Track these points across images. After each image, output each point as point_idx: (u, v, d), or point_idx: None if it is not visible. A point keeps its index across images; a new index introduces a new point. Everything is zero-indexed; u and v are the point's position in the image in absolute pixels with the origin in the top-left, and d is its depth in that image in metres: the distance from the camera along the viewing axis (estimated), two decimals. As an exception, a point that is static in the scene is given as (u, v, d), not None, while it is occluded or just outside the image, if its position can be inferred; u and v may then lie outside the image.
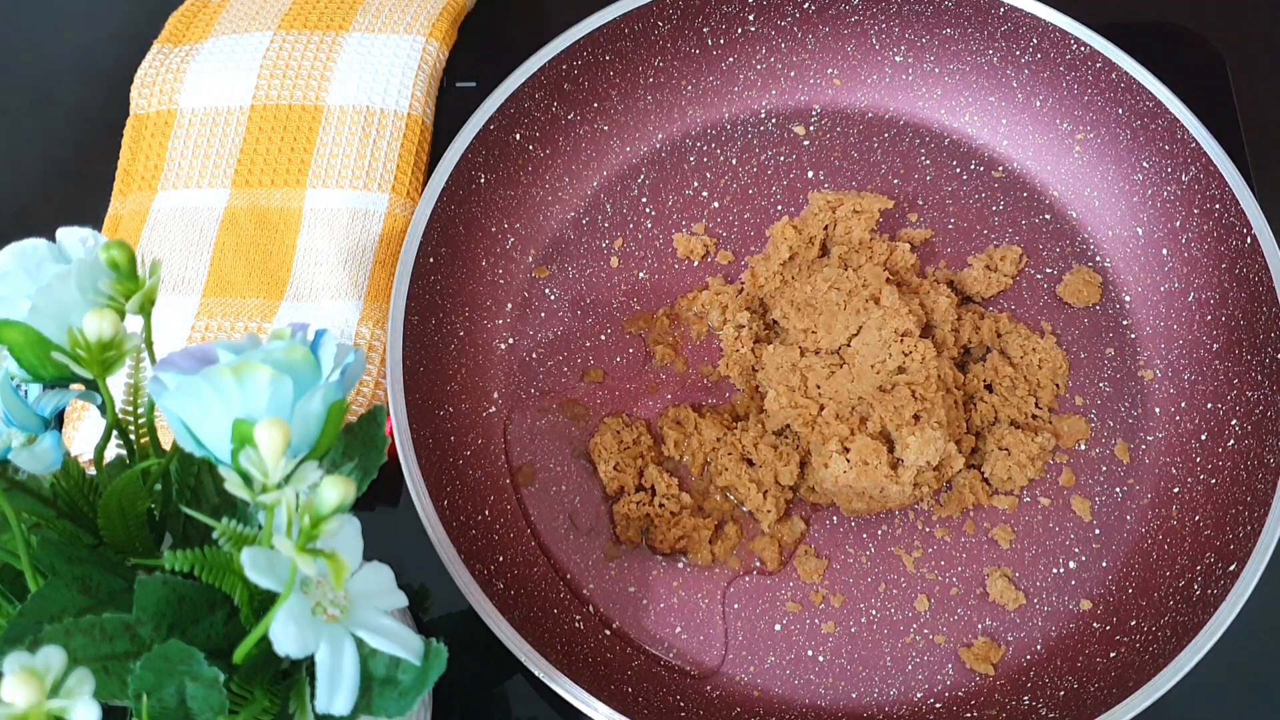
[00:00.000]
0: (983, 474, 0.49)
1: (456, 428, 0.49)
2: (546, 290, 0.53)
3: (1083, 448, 0.50)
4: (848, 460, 0.46)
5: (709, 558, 0.47)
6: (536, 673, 0.40)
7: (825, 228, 0.53)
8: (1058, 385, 0.50)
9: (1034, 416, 0.50)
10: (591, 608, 0.47)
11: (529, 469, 0.50)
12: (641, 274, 0.54)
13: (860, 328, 0.49)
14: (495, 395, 0.51)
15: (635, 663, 0.46)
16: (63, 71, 0.63)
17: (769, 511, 0.47)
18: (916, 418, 0.47)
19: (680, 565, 0.48)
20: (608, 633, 0.46)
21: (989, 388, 0.50)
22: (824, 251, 0.53)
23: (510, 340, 0.52)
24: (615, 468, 0.49)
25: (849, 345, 0.49)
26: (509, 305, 0.53)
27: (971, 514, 0.48)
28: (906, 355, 0.48)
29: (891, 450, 0.46)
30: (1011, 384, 0.50)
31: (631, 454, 0.49)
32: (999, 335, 0.51)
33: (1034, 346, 0.50)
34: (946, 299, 0.50)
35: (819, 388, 0.48)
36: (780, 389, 0.48)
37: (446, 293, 0.50)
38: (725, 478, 0.48)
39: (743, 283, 0.53)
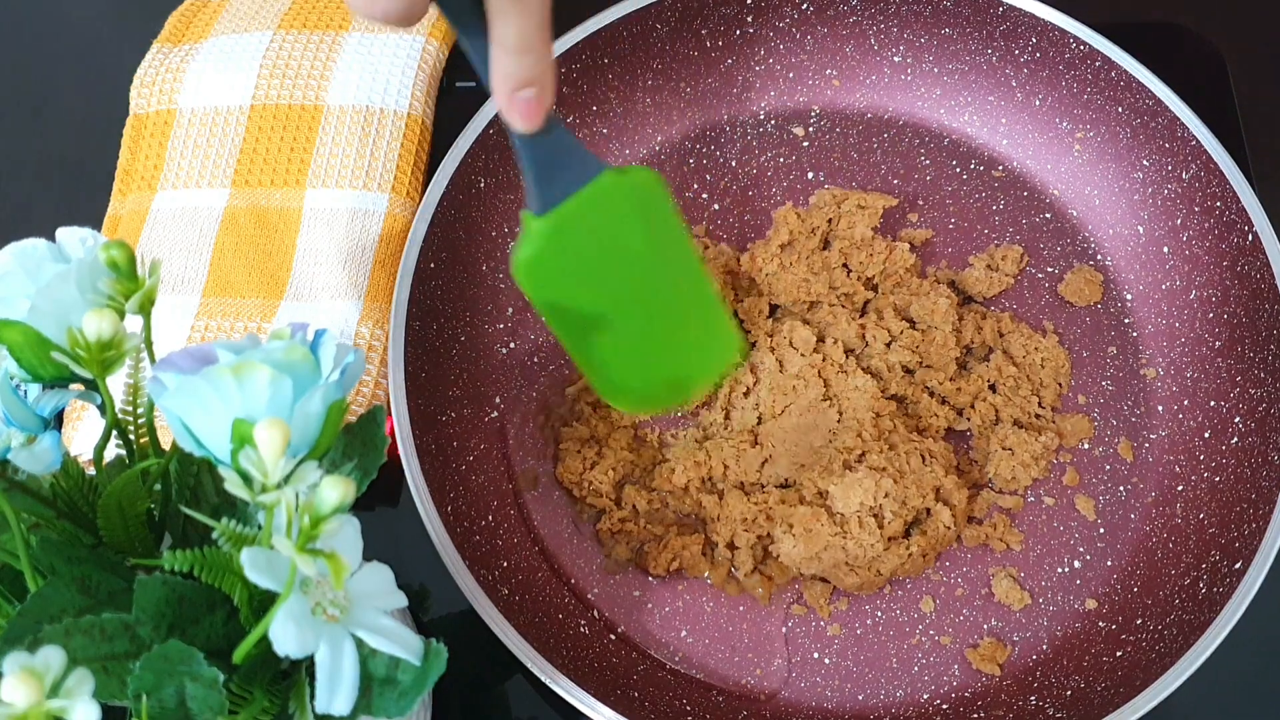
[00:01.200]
0: (991, 483, 0.49)
1: (459, 433, 0.49)
2: (547, 293, 0.53)
3: (1086, 447, 0.49)
4: (793, 536, 0.45)
5: (706, 574, 0.47)
6: (544, 679, 0.40)
7: (829, 220, 0.53)
8: (1060, 384, 0.50)
9: (1037, 416, 0.50)
10: (596, 612, 0.47)
11: (531, 474, 0.50)
12: (642, 276, 0.54)
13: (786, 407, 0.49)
14: (496, 400, 0.51)
15: (641, 667, 0.45)
16: (63, 71, 0.63)
17: (745, 561, 0.47)
18: (848, 467, 0.46)
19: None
20: (613, 637, 0.46)
21: (992, 388, 0.50)
22: (825, 244, 0.53)
23: (511, 345, 0.52)
24: (592, 489, 0.48)
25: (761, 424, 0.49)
26: (509, 309, 0.53)
27: (983, 525, 0.48)
28: (838, 401, 0.48)
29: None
30: (1014, 384, 0.50)
31: (601, 469, 0.48)
32: (1001, 335, 0.51)
33: (1036, 346, 0.50)
34: (947, 299, 0.50)
35: (725, 467, 0.48)
36: (687, 464, 0.48)
37: (447, 298, 0.50)
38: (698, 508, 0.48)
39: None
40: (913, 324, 0.51)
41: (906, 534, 0.46)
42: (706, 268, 0.47)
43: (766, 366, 0.49)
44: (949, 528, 0.46)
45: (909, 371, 0.50)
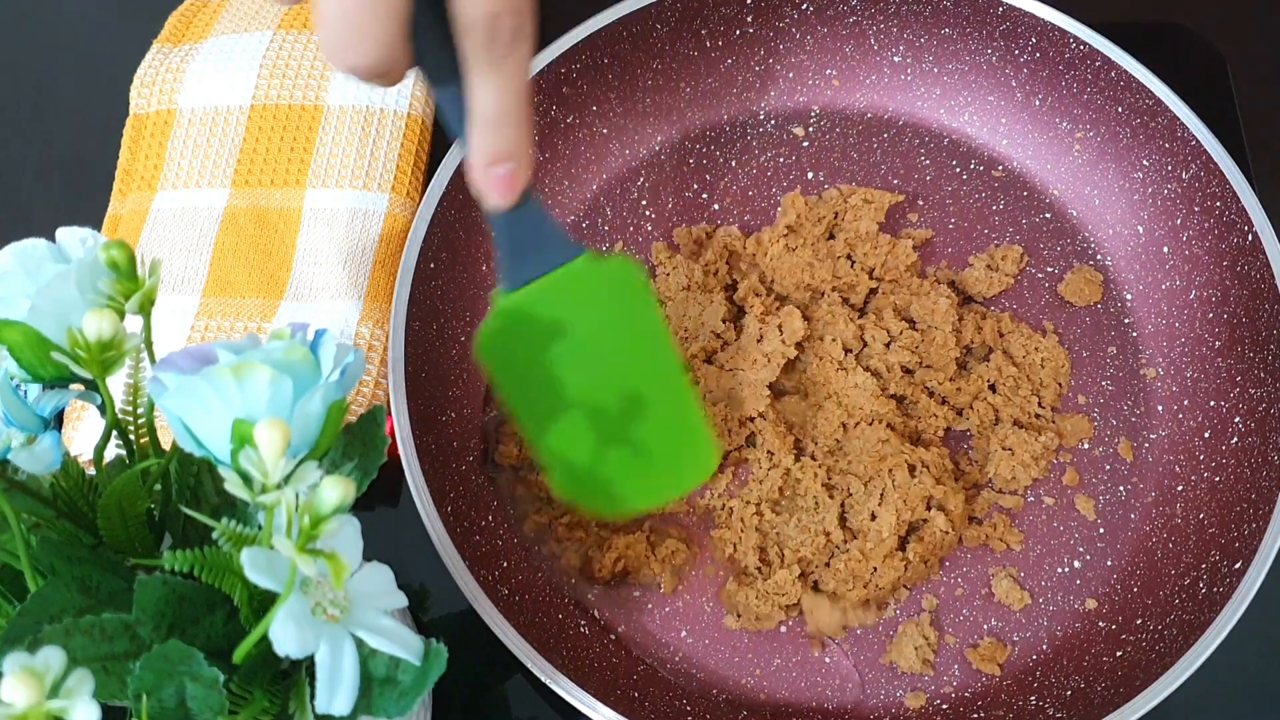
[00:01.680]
0: (991, 484, 0.49)
1: (459, 433, 0.49)
2: (547, 293, 0.53)
3: (1086, 447, 0.49)
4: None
5: (656, 578, 0.47)
6: (544, 679, 0.40)
7: (836, 213, 0.53)
8: (1060, 384, 0.50)
9: (1037, 416, 0.50)
10: (596, 613, 0.47)
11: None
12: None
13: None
14: (497, 400, 0.51)
15: (640, 667, 0.45)
16: (63, 71, 0.63)
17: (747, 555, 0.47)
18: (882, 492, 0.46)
19: (684, 570, 0.48)
20: (612, 637, 0.46)
21: (992, 388, 0.50)
22: (830, 236, 0.53)
23: (511, 343, 0.52)
24: (537, 512, 0.48)
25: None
26: (510, 309, 0.53)
27: (982, 525, 0.48)
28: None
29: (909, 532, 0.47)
30: (1014, 384, 0.50)
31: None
32: (1001, 335, 0.51)
33: (1036, 346, 0.50)
34: (947, 299, 0.50)
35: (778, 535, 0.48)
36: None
37: (447, 298, 0.50)
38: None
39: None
40: (912, 324, 0.51)
41: (902, 546, 0.46)
42: (686, 371, 0.44)
43: (748, 332, 0.49)
44: (946, 532, 0.46)
45: (908, 372, 0.50)
